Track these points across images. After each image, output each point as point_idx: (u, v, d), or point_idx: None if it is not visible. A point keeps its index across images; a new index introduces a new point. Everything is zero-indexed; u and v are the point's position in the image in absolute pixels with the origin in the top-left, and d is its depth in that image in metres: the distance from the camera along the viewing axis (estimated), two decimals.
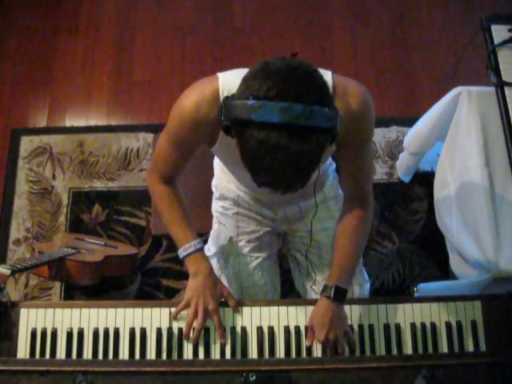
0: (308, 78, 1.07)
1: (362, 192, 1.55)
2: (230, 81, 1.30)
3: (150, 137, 2.84)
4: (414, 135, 2.32)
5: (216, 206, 1.89)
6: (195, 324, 1.48)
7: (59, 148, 2.85)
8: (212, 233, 1.91)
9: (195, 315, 1.48)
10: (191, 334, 1.48)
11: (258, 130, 1.04)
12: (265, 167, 1.08)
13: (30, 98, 3.02)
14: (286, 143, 1.04)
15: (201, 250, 1.55)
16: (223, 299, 1.54)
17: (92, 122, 2.95)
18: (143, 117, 2.96)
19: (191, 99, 1.33)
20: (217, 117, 1.16)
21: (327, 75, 1.31)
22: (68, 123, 2.96)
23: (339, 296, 1.49)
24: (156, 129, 2.84)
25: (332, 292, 1.48)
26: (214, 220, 1.91)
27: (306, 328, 1.51)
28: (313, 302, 1.53)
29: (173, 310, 1.51)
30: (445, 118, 2.10)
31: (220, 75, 1.35)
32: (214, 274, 1.57)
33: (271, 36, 3.14)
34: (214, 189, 1.90)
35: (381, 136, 2.82)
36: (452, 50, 3.03)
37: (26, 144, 2.87)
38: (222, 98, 1.28)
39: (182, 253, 1.55)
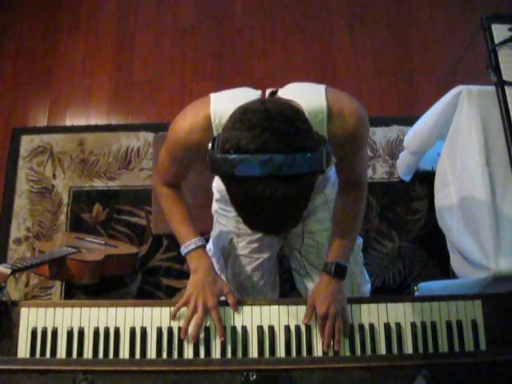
0: (288, 126, 1.06)
1: (358, 180, 1.59)
2: (221, 106, 1.30)
3: (150, 136, 2.85)
4: (414, 134, 2.32)
5: (216, 207, 1.89)
6: (194, 320, 1.48)
7: (60, 147, 2.86)
8: (212, 233, 1.91)
9: (194, 311, 1.48)
10: (190, 330, 1.47)
11: (242, 183, 1.05)
12: (253, 216, 1.09)
13: (31, 98, 3.03)
14: (271, 192, 1.03)
15: (202, 247, 1.57)
16: (223, 296, 1.54)
17: (92, 122, 2.95)
18: (143, 116, 2.96)
19: (185, 123, 1.36)
20: (208, 142, 1.16)
21: (320, 93, 1.31)
22: (68, 122, 2.96)
23: (339, 272, 1.54)
24: (156, 128, 2.85)
25: (333, 268, 1.53)
26: (215, 221, 1.91)
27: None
28: None
29: (173, 309, 1.50)
30: (445, 118, 2.10)
31: (212, 98, 1.35)
32: (215, 270, 1.58)
33: (271, 35, 3.14)
34: (214, 190, 1.89)
35: (381, 135, 2.81)
36: (452, 49, 3.03)
37: (27, 143, 2.87)
38: (213, 124, 1.31)
39: (183, 250, 1.57)
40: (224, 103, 1.17)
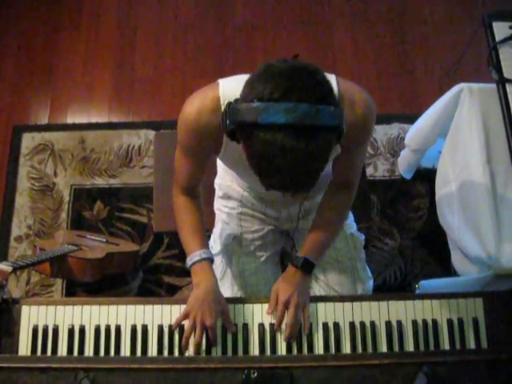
0: (312, 78, 1.07)
1: (350, 180, 1.59)
2: (230, 89, 1.29)
3: (151, 134, 2.85)
4: (415, 132, 2.32)
5: (219, 204, 1.88)
6: (193, 338, 1.45)
7: (61, 145, 2.86)
8: (215, 231, 1.90)
9: (193, 329, 1.44)
10: (190, 348, 1.45)
11: (264, 132, 1.04)
12: (273, 169, 1.08)
13: (32, 95, 3.03)
14: (293, 143, 1.03)
15: (207, 259, 1.52)
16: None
17: (93, 119, 2.96)
18: (145, 114, 2.96)
19: (193, 107, 1.34)
20: (218, 125, 1.17)
21: (332, 81, 1.31)
22: (69, 120, 2.96)
23: (306, 267, 1.54)
24: (157, 126, 2.85)
25: (300, 262, 1.53)
26: (217, 218, 1.90)
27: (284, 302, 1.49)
28: (314, 299, 1.53)
29: (174, 307, 1.50)
30: (446, 115, 2.10)
31: (221, 82, 1.34)
32: (218, 288, 1.52)
33: (272, 33, 3.14)
34: (216, 187, 1.89)
35: (382, 133, 2.81)
36: (453, 47, 3.03)
37: (28, 141, 2.87)
38: (223, 107, 1.27)
39: (188, 262, 1.53)
40: (234, 86, 1.17)
